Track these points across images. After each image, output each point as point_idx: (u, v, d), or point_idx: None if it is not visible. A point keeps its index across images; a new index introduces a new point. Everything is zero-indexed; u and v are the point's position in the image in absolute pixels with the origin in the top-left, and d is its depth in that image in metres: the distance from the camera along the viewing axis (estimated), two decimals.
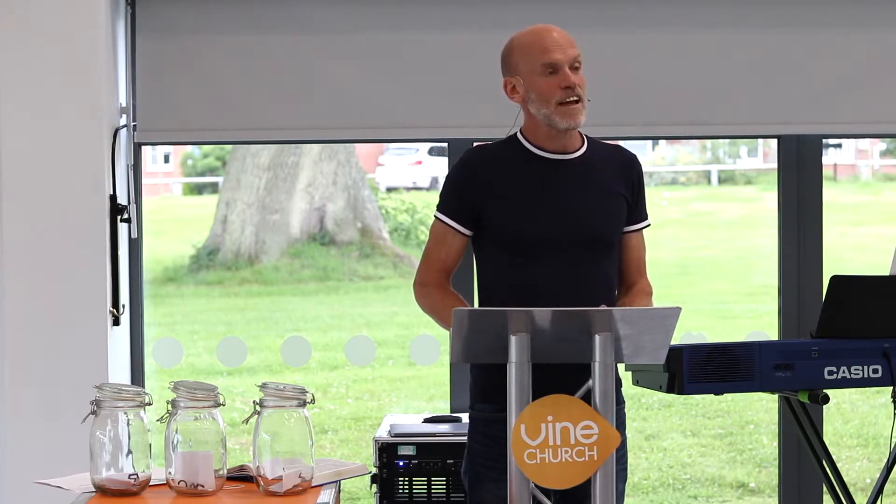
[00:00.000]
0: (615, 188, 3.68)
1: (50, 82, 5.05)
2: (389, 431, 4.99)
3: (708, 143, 15.61)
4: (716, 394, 4.12)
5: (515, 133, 3.70)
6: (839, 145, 15.88)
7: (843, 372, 4.07)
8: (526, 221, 3.59)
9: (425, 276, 3.68)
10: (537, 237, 3.59)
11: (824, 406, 4.19)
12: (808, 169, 5.45)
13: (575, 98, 3.58)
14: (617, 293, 3.70)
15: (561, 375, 3.34)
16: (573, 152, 3.67)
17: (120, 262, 5.19)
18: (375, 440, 4.94)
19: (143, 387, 5.04)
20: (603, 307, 3.33)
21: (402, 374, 10.61)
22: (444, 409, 6.07)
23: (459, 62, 5.25)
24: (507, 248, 3.61)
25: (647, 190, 3.77)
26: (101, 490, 3.24)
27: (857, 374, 4.08)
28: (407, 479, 4.90)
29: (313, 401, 3.29)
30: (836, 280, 4.13)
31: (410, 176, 15.41)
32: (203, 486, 3.21)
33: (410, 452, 4.91)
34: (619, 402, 3.63)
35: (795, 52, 5.31)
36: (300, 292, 13.01)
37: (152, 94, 5.25)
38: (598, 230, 3.63)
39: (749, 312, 11.78)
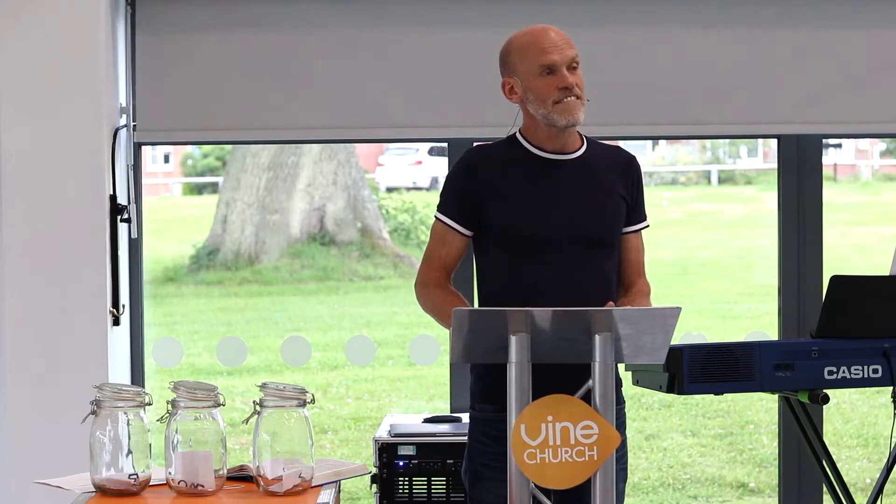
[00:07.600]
0: (614, 188, 3.68)
1: (50, 82, 5.04)
2: (389, 431, 4.99)
3: (708, 143, 15.60)
4: (716, 394, 4.12)
5: (515, 133, 3.70)
6: (839, 145, 15.88)
7: (843, 372, 4.07)
8: (526, 221, 3.59)
9: (426, 277, 3.69)
10: (537, 237, 3.59)
11: (824, 406, 4.19)
12: (808, 169, 5.45)
13: (573, 97, 3.58)
14: (616, 293, 3.70)
15: (561, 375, 3.34)
16: (572, 152, 3.67)
17: (120, 262, 5.19)
18: (375, 440, 4.94)
19: (143, 387, 5.04)
20: (604, 307, 3.33)
21: (402, 374, 10.61)
22: (444, 409, 6.08)
23: (460, 62, 5.25)
24: (506, 248, 3.61)
25: (647, 190, 3.78)
26: (101, 490, 3.24)
27: (857, 374, 4.08)
28: (407, 479, 4.90)
29: (313, 401, 3.29)
30: (836, 280, 4.13)
31: (410, 176, 15.41)
32: (203, 486, 3.21)
33: (410, 452, 4.91)
34: (619, 402, 3.63)
35: (795, 52, 5.31)
36: (300, 292, 13.00)
37: (152, 93, 5.25)
38: (598, 230, 3.63)
39: (749, 312, 11.77)
